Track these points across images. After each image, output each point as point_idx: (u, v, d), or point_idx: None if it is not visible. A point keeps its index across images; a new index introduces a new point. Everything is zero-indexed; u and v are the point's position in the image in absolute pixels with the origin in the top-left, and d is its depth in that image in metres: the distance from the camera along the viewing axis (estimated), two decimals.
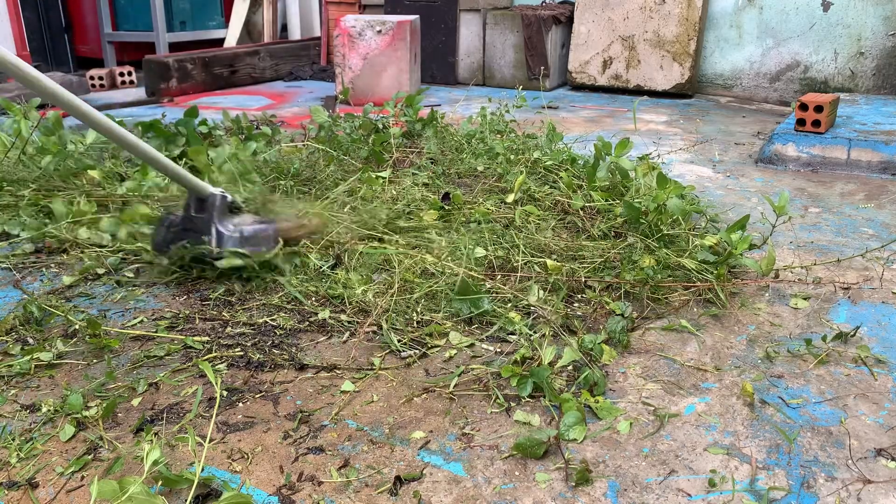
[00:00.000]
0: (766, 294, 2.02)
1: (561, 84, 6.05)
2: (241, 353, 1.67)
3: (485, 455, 1.33)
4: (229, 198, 2.01)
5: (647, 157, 2.54)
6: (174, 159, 2.96)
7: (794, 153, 3.43)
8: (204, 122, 3.31)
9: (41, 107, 4.69)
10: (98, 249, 2.22)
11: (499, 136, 3.26)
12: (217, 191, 1.98)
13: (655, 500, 1.22)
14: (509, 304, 1.87)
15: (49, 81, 1.56)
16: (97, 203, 2.52)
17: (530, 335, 1.74)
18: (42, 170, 2.64)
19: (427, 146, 3.03)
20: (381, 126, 3.21)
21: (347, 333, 1.77)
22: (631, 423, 1.43)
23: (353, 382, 1.56)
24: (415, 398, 1.51)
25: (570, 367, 1.60)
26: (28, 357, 1.61)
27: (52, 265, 2.17)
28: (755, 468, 1.30)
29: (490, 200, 2.42)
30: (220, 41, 7.11)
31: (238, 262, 1.93)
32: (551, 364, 1.58)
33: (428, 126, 3.30)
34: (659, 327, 1.81)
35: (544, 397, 1.50)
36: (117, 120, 3.15)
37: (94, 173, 2.56)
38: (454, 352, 1.67)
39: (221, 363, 1.63)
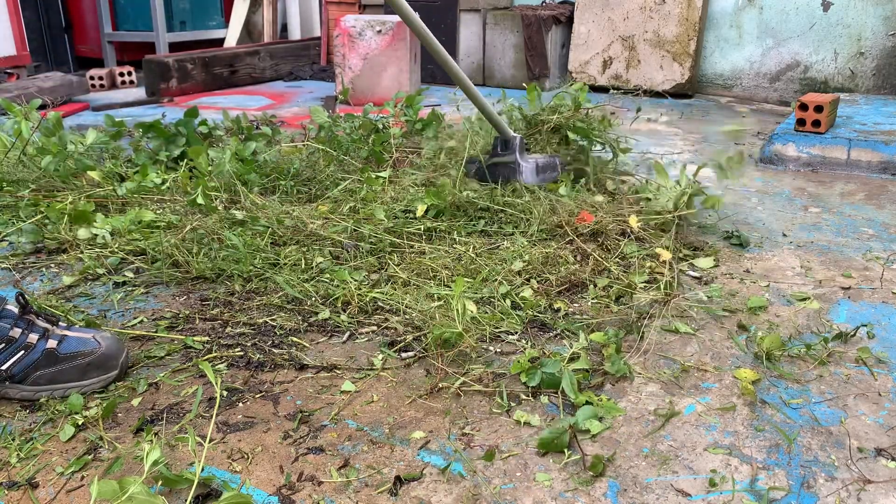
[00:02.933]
0: (767, 294, 2.02)
1: (561, 84, 6.05)
2: (241, 353, 1.67)
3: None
4: (525, 140, 2.78)
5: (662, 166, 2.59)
6: (175, 160, 2.96)
7: (794, 153, 3.43)
8: (204, 123, 3.32)
9: (42, 107, 4.69)
10: (98, 249, 2.22)
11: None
12: (517, 135, 2.69)
13: (655, 500, 1.22)
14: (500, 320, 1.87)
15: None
16: (97, 203, 2.53)
17: (531, 341, 1.74)
18: (42, 170, 2.64)
19: (427, 146, 3.03)
20: (381, 126, 3.21)
21: (347, 334, 1.77)
22: (631, 423, 1.43)
23: (353, 382, 1.56)
24: (417, 399, 1.51)
25: (580, 363, 1.60)
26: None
27: (52, 265, 2.18)
28: (755, 468, 1.30)
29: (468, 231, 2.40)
30: (220, 41, 7.11)
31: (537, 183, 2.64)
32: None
33: (428, 126, 3.30)
34: (658, 327, 1.82)
35: (544, 396, 1.50)
36: (118, 119, 3.15)
37: (93, 174, 2.57)
38: (454, 352, 1.67)
39: (221, 363, 1.63)
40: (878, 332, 1.80)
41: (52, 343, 1.48)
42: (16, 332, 1.46)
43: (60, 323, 1.56)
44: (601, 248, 2.22)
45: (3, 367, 1.43)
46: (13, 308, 1.50)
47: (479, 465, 1.31)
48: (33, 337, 1.47)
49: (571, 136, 2.85)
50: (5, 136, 2.93)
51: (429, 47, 2.49)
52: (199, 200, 2.40)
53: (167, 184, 2.70)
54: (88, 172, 2.61)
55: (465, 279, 1.95)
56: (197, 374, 1.59)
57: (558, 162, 2.72)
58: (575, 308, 1.90)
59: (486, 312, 1.83)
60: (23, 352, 1.45)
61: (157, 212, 2.46)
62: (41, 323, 1.51)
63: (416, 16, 2.44)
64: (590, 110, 2.95)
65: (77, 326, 1.61)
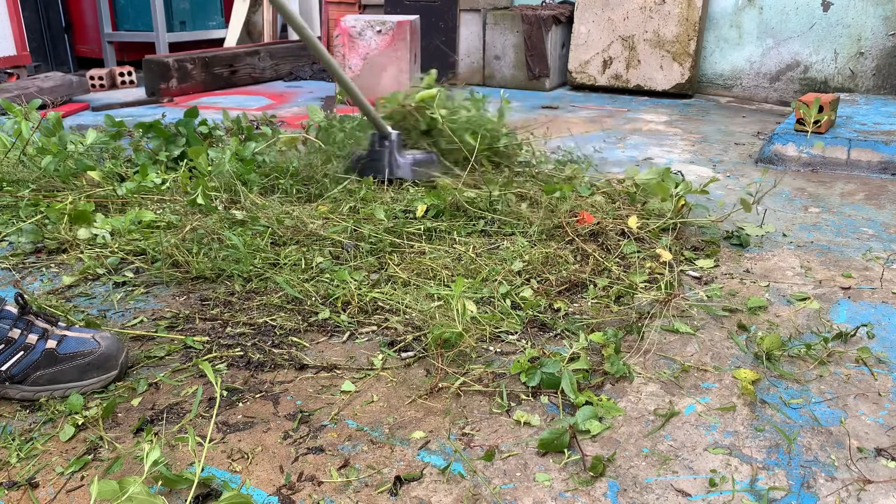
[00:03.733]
0: (767, 294, 2.02)
1: (561, 84, 6.05)
2: (241, 353, 1.67)
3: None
4: (401, 135, 2.85)
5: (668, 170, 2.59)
6: (175, 160, 2.96)
7: (794, 153, 3.43)
8: (204, 123, 3.32)
9: (42, 107, 4.69)
10: (98, 249, 2.22)
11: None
12: (394, 132, 2.78)
13: (655, 500, 1.22)
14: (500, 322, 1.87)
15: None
16: (97, 203, 2.53)
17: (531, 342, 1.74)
18: (42, 170, 2.64)
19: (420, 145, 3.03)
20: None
21: (347, 334, 1.77)
22: (631, 423, 1.43)
23: (353, 382, 1.56)
24: (417, 399, 1.51)
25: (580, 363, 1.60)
26: None
27: (52, 265, 2.18)
28: (755, 468, 1.30)
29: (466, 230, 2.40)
30: (220, 41, 7.11)
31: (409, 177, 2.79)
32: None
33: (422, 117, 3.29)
34: (658, 327, 1.82)
35: (544, 396, 1.50)
36: (118, 119, 3.15)
37: (93, 174, 2.56)
38: (454, 352, 1.67)
39: (221, 363, 1.63)
40: (878, 332, 1.80)
41: (51, 343, 1.48)
42: (15, 333, 1.46)
43: (60, 323, 1.56)
44: (601, 248, 2.22)
45: (3, 368, 1.43)
46: (12, 309, 1.50)
47: (479, 465, 1.31)
48: (32, 337, 1.47)
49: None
50: (5, 136, 2.93)
51: (296, 30, 2.42)
52: (200, 200, 2.40)
53: (167, 184, 2.70)
54: (88, 172, 2.61)
55: (465, 279, 1.95)
56: (197, 374, 1.59)
57: (433, 157, 2.85)
58: (575, 308, 1.90)
59: (486, 312, 1.83)
60: (22, 352, 1.45)
61: (157, 212, 2.46)
62: (40, 323, 1.51)
63: None
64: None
65: (76, 326, 1.61)
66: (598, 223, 2.31)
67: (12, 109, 3.02)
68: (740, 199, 2.36)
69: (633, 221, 2.28)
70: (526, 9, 5.87)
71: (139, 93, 5.51)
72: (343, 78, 2.54)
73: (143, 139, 3.08)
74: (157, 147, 2.98)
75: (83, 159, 2.75)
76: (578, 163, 3.18)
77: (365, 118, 2.79)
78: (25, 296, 1.52)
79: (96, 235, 2.28)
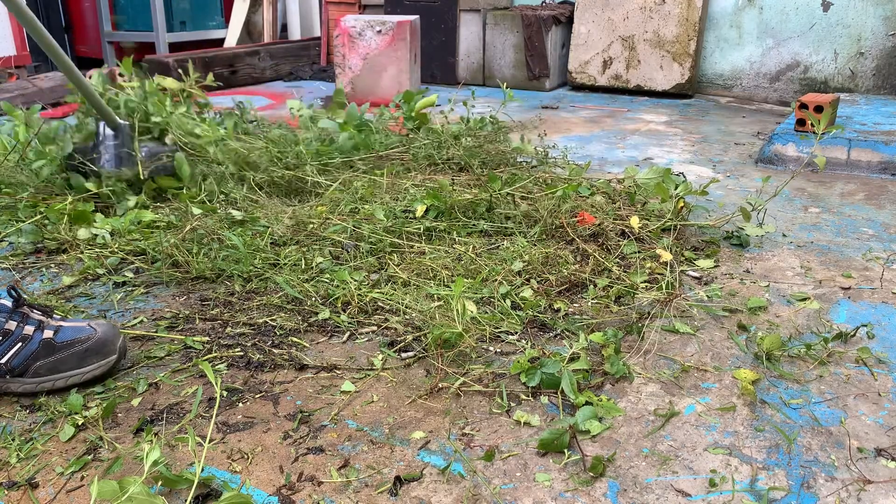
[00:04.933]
0: (767, 294, 2.02)
1: (561, 84, 6.05)
2: (241, 353, 1.67)
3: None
4: (129, 124, 2.63)
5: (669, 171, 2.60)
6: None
7: (794, 153, 3.43)
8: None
9: (44, 108, 4.69)
10: (98, 249, 2.22)
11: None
12: (124, 122, 2.60)
13: (655, 501, 1.22)
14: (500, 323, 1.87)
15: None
16: (96, 205, 2.52)
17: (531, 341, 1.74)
18: (38, 175, 2.63)
19: (415, 145, 3.04)
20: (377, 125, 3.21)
21: (347, 334, 1.77)
22: (631, 423, 1.43)
23: (353, 383, 1.56)
24: (417, 399, 1.51)
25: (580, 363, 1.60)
26: None
27: (52, 265, 2.18)
28: (755, 468, 1.30)
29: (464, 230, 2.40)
30: (220, 41, 7.11)
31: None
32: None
33: (423, 126, 3.31)
34: (658, 327, 1.82)
35: (544, 396, 1.50)
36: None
37: (90, 185, 2.56)
38: (454, 352, 1.67)
39: (221, 363, 1.63)
40: (878, 332, 1.80)
41: (48, 333, 1.49)
42: (11, 325, 1.46)
43: (55, 315, 1.56)
44: (601, 248, 2.22)
45: (3, 360, 1.43)
46: (6, 302, 1.50)
47: (479, 465, 1.31)
48: (29, 328, 1.47)
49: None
50: (5, 138, 2.93)
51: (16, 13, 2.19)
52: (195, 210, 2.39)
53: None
54: (86, 184, 2.59)
55: (465, 279, 1.95)
56: (197, 374, 1.59)
57: (168, 148, 2.67)
58: (575, 308, 1.90)
59: (486, 312, 1.83)
60: (20, 343, 1.45)
61: (156, 213, 2.46)
62: (36, 315, 1.51)
63: None
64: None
65: (70, 318, 1.61)
66: (599, 224, 2.31)
67: (13, 113, 3.01)
68: (740, 208, 2.36)
69: (634, 221, 2.28)
70: (526, 9, 5.87)
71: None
72: (57, 53, 2.28)
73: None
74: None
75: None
76: (578, 163, 3.18)
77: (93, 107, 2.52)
78: (18, 289, 1.52)
79: (96, 235, 2.28)
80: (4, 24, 5.81)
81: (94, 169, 2.54)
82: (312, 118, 3.26)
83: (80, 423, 1.39)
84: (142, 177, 2.56)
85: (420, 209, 2.41)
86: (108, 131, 2.56)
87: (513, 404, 1.49)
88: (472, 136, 3.22)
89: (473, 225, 2.38)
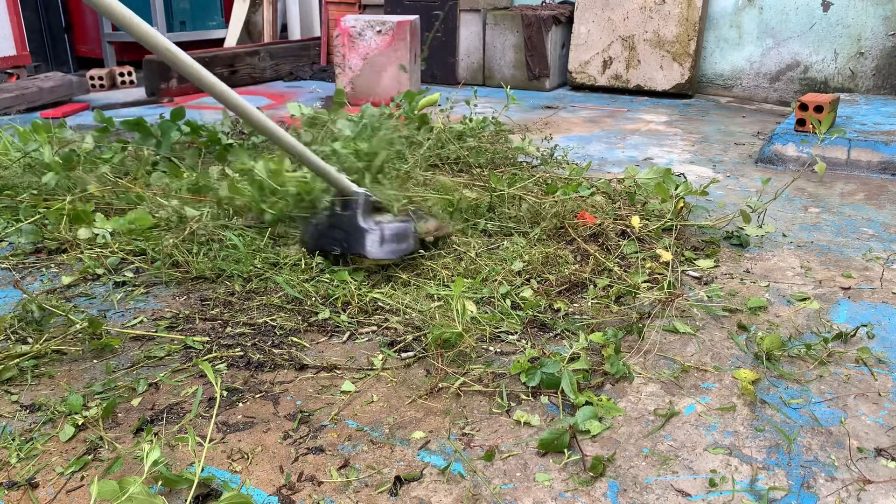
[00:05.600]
0: (767, 294, 2.02)
1: (561, 84, 6.05)
2: (241, 353, 1.67)
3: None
4: (372, 197, 2.11)
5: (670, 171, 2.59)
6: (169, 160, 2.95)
7: (794, 153, 3.43)
8: (189, 123, 3.28)
9: (42, 108, 4.69)
10: (98, 250, 2.22)
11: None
12: (361, 190, 2.08)
13: (655, 500, 1.22)
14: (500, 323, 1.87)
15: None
16: (96, 206, 2.52)
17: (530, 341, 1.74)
18: (43, 184, 2.63)
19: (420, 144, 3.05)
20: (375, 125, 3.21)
21: (348, 334, 1.77)
22: (631, 423, 1.43)
23: (353, 383, 1.56)
24: (417, 399, 1.51)
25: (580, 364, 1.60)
26: (28, 356, 1.61)
27: (52, 265, 2.17)
28: (755, 468, 1.30)
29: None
30: (220, 41, 7.11)
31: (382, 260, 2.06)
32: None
33: (423, 126, 3.31)
34: (658, 327, 1.81)
35: (544, 396, 1.50)
36: (107, 116, 3.14)
37: (93, 188, 2.56)
38: (454, 352, 1.67)
39: (221, 363, 1.63)
40: (878, 332, 1.80)
41: None
42: None
43: None
44: (601, 248, 2.22)
45: None
46: None
47: (479, 465, 1.30)
48: None
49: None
50: (8, 137, 2.93)
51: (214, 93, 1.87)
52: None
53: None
54: (88, 188, 2.59)
55: (465, 279, 1.95)
56: (197, 374, 1.59)
57: (411, 229, 2.07)
58: (575, 308, 1.90)
59: (486, 312, 1.83)
60: None
61: (155, 215, 2.45)
62: None
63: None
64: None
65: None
66: (600, 224, 2.31)
67: (18, 131, 3.00)
68: (740, 211, 2.36)
69: (635, 221, 2.28)
70: (526, 9, 5.87)
71: (139, 93, 5.51)
72: (283, 139, 1.91)
73: (127, 134, 3.08)
74: (141, 143, 2.98)
75: (84, 176, 2.71)
76: (578, 163, 3.18)
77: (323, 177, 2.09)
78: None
79: (96, 235, 2.28)
80: (5, 25, 5.81)
81: (355, 253, 2.05)
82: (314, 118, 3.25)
83: (80, 423, 1.39)
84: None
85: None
86: (362, 203, 2.06)
87: (513, 404, 1.49)
88: (474, 137, 3.23)
89: (474, 224, 2.38)
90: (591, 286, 2.00)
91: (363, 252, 2.00)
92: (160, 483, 1.19)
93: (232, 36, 7.02)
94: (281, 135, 1.88)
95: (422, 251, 2.10)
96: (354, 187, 2.08)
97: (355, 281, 1.99)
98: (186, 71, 1.71)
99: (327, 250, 2.08)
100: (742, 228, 2.39)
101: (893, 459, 1.33)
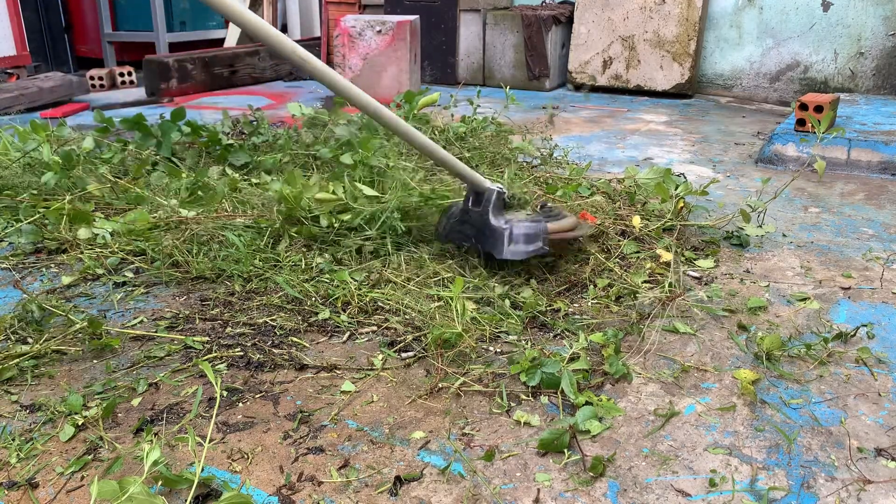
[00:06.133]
0: (767, 294, 2.02)
1: (561, 84, 6.05)
2: (241, 353, 1.67)
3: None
4: (505, 192, 2.05)
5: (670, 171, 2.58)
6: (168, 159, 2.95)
7: (794, 153, 3.43)
8: (189, 123, 3.27)
9: (42, 107, 4.69)
10: (98, 250, 2.22)
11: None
12: (495, 186, 2.01)
13: (655, 500, 1.22)
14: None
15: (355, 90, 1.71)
16: (96, 207, 2.52)
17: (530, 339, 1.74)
18: (44, 183, 2.64)
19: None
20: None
21: (347, 334, 1.77)
22: (631, 423, 1.43)
23: (353, 383, 1.56)
24: (417, 399, 1.51)
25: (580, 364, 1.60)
26: (28, 356, 1.61)
27: (52, 265, 2.18)
28: (755, 468, 1.30)
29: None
30: (220, 41, 7.11)
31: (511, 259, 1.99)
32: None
33: (423, 126, 3.32)
34: (658, 327, 1.81)
35: (544, 396, 1.50)
36: (107, 116, 3.14)
37: (92, 188, 2.56)
38: (454, 352, 1.67)
39: (221, 363, 1.63)
40: (878, 332, 1.80)
41: None
42: None
43: None
44: (601, 248, 2.22)
45: None
46: None
47: (479, 465, 1.31)
48: None
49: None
50: (8, 137, 2.94)
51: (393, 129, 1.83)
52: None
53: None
54: (87, 188, 2.59)
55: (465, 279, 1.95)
56: (197, 374, 1.59)
57: (542, 229, 1.98)
58: (575, 308, 1.90)
59: (486, 313, 1.83)
60: None
61: (154, 216, 2.45)
62: None
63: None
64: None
65: None
66: (600, 224, 2.31)
67: (19, 131, 3.00)
68: (740, 210, 2.36)
69: (636, 221, 2.28)
70: (526, 9, 5.87)
71: (139, 93, 5.51)
72: (405, 130, 1.84)
73: (127, 133, 3.08)
74: (141, 144, 2.98)
75: (84, 177, 2.71)
76: (578, 163, 3.18)
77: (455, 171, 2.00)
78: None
79: (97, 235, 2.28)
80: (4, 25, 5.81)
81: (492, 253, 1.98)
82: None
83: (80, 423, 1.39)
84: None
85: None
86: (493, 200, 1.99)
87: (513, 404, 1.49)
88: (475, 137, 3.23)
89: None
90: (591, 286, 2.00)
91: (492, 251, 1.96)
92: (160, 483, 1.19)
93: (232, 36, 7.02)
94: (414, 134, 1.85)
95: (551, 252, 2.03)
96: (487, 183, 2.01)
97: (355, 281, 1.99)
98: (317, 75, 1.68)
99: (457, 244, 2.09)
100: (742, 228, 2.39)
101: (893, 459, 1.33)
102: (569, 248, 2.14)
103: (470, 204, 2.03)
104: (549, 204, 2.23)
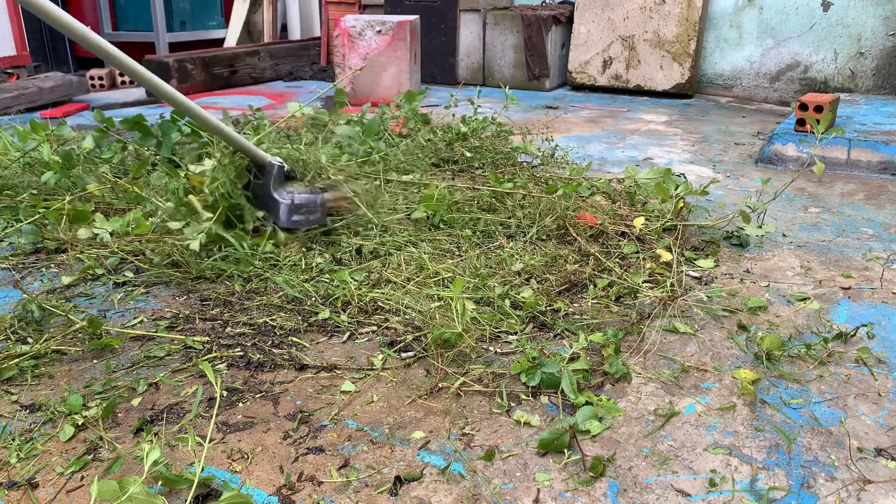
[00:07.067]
0: (767, 294, 2.02)
1: (561, 84, 6.05)
2: (241, 353, 1.67)
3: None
4: (286, 167, 2.21)
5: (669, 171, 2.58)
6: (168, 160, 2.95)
7: (794, 153, 3.43)
8: (189, 123, 3.27)
9: (42, 107, 4.69)
10: (98, 250, 2.22)
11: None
12: (275, 160, 2.17)
13: (655, 500, 1.22)
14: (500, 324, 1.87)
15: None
16: (96, 207, 2.52)
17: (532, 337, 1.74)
18: (43, 183, 2.63)
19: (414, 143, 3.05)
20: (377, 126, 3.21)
21: (347, 334, 1.77)
22: (631, 423, 1.43)
23: (353, 383, 1.56)
24: (417, 399, 1.51)
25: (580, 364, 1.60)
26: (28, 356, 1.61)
27: (52, 265, 2.17)
28: (755, 468, 1.30)
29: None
30: (220, 41, 7.11)
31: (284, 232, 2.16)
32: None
33: (423, 126, 3.32)
34: (658, 327, 1.81)
35: (544, 396, 1.50)
36: (107, 116, 3.14)
37: (92, 188, 2.56)
38: (454, 352, 1.67)
39: (221, 363, 1.63)
40: (878, 332, 1.80)
41: None
42: None
43: None
44: (602, 248, 2.22)
45: None
46: None
47: (479, 465, 1.31)
48: None
49: None
50: (8, 137, 2.93)
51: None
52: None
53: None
54: (88, 188, 2.59)
55: (466, 279, 1.95)
56: (197, 374, 1.59)
57: (320, 200, 2.19)
58: (575, 308, 1.90)
59: (486, 313, 1.83)
60: None
61: (152, 218, 2.44)
62: None
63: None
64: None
65: None
66: (600, 224, 2.31)
67: (18, 131, 3.00)
68: (740, 211, 2.36)
69: (638, 222, 2.28)
70: (526, 9, 5.87)
71: (139, 93, 5.51)
72: (177, 99, 2.01)
73: (127, 133, 3.07)
74: (142, 143, 2.98)
75: (84, 176, 2.70)
76: (577, 163, 3.18)
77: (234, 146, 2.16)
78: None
79: (97, 235, 2.28)
80: (4, 24, 5.81)
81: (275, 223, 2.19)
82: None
83: (80, 423, 1.39)
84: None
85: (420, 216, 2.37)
86: (274, 173, 2.17)
87: (513, 404, 1.49)
88: (475, 137, 3.23)
89: (474, 225, 2.38)
90: (592, 286, 2.00)
91: (276, 221, 2.14)
92: (160, 483, 1.19)
93: (232, 36, 7.02)
94: (191, 106, 2.02)
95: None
96: (268, 157, 2.17)
97: (355, 281, 1.99)
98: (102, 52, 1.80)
99: (263, 215, 2.19)
100: (742, 228, 2.39)
101: (893, 459, 1.33)
102: (340, 211, 2.29)
103: (253, 177, 2.20)
104: (323, 175, 2.36)
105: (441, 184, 2.55)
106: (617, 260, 2.14)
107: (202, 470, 1.24)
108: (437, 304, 1.86)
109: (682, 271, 2.13)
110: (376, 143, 2.91)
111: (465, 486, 1.25)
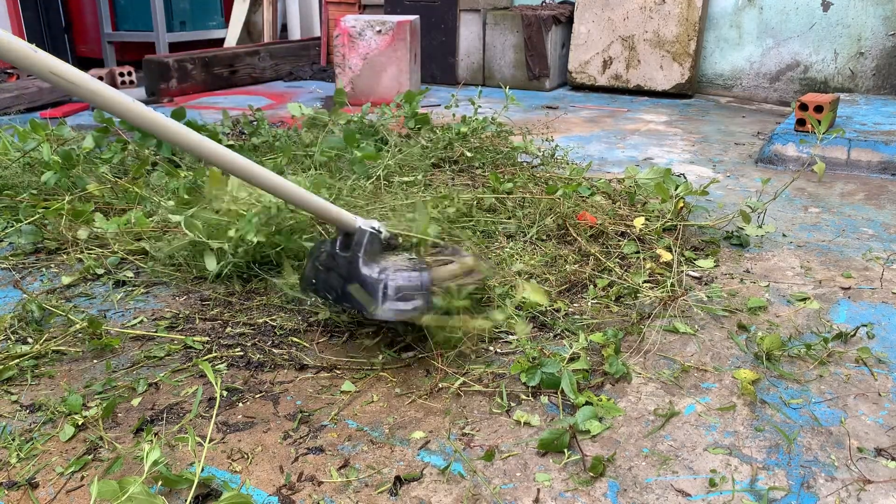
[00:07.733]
0: (767, 294, 2.02)
1: (561, 84, 6.05)
2: (241, 353, 1.67)
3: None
4: (383, 233, 1.64)
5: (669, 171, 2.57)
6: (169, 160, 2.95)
7: (794, 153, 3.43)
8: (189, 123, 3.27)
9: (42, 107, 4.69)
10: (98, 250, 2.22)
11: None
12: (367, 224, 1.61)
13: (655, 500, 1.22)
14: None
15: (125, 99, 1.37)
16: (96, 207, 2.52)
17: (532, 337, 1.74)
18: (43, 183, 2.63)
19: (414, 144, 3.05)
20: (377, 126, 3.21)
21: (347, 334, 1.77)
22: (631, 423, 1.43)
23: (353, 383, 1.56)
24: (417, 399, 1.51)
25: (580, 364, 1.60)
26: (28, 356, 1.61)
27: (52, 265, 2.17)
28: (755, 468, 1.30)
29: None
30: (220, 41, 7.11)
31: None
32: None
33: (423, 126, 3.32)
34: (658, 327, 1.81)
35: (544, 396, 1.50)
36: (107, 117, 3.14)
37: (92, 188, 2.56)
38: (455, 353, 1.67)
39: (221, 363, 1.63)
40: (878, 332, 1.80)
41: None
42: None
43: None
44: (602, 248, 2.22)
45: None
46: None
47: (479, 465, 1.31)
48: None
49: None
50: (8, 137, 2.93)
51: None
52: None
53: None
54: (87, 188, 2.59)
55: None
56: (197, 374, 1.59)
57: (426, 279, 1.58)
58: (575, 308, 1.90)
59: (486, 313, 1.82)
60: None
61: (151, 218, 2.44)
62: None
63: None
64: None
65: None
66: (601, 224, 2.31)
67: (17, 131, 3.00)
68: (740, 211, 2.36)
69: (639, 222, 2.28)
70: (526, 9, 5.87)
71: (139, 93, 5.51)
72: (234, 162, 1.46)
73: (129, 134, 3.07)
74: (142, 143, 2.98)
75: (83, 176, 2.70)
76: (577, 163, 3.19)
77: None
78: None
79: (97, 235, 2.28)
80: (4, 25, 5.81)
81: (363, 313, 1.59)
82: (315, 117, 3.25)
83: (80, 423, 1.39)
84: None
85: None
86: (363, 243, 1.59)
87: (513, 404, 1.49)
88: (476, 137, 3.24)
89: (473, 225, 2.38)
90: (592, 286, 2.00)
91: (359, 309, 1.56)
92: (160, 483, 1.19)
93: (232, 36, 7.02)
94: (250, 168, 1.46)
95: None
96: (358, 221, 1.61)
97: None
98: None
99: (321, 296, 1.70)
100: (742, 228, 2.39)
101: (893, 459, 1.33)
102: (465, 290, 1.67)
103: (338, 248, 1.64)
104: (442, 242, 1.83)
105: (447, 198, 2.49)
106: (617, 260, 2.14)
107: (202, 470, 1.24)
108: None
109: (682, 271, 2.13)
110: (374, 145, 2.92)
111: (465, 486, 1.25)
